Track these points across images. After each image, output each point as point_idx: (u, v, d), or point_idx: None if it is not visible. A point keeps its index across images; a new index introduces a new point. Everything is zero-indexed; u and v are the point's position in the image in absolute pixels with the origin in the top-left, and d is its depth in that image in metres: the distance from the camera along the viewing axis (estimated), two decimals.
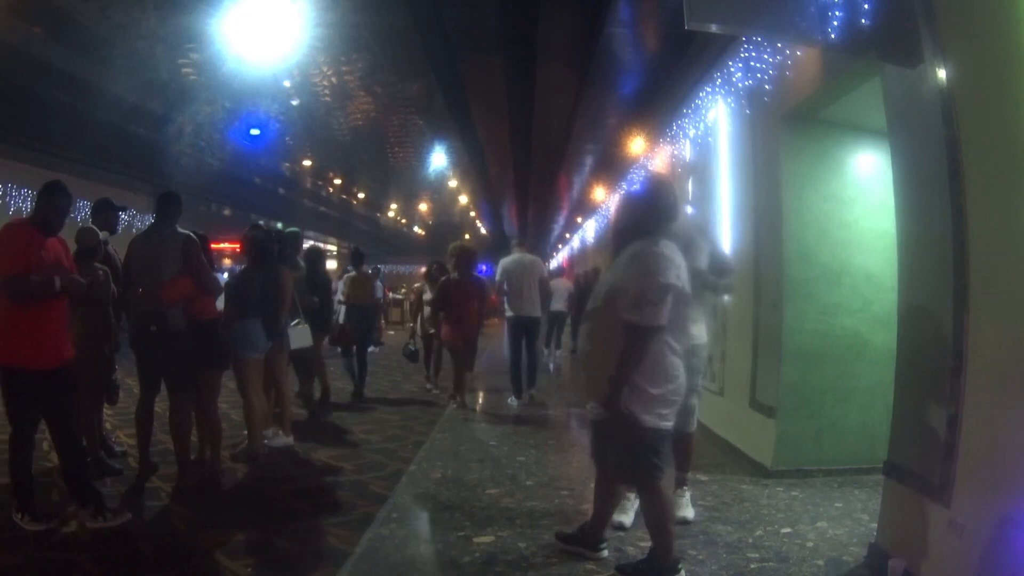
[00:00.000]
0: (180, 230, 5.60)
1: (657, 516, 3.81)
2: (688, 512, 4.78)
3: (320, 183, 36.17)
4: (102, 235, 5.82)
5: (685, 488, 4.92)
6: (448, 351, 9.39)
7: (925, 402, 3.72)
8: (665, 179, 5.18)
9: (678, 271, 3.68)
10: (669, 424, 3.76)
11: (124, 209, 6.60)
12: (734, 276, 5.04)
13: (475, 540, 4.41)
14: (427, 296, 10.43)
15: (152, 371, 5.49)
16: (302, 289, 7.53)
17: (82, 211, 18.84)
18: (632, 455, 3.78)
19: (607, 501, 4.20)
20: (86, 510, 4.57)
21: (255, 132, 21.15)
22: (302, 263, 8.21)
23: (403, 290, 24.48)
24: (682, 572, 3.79)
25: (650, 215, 3.88)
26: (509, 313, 9.37)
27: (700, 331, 4.77)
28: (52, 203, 4.76)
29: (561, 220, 31.66)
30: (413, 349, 10.83)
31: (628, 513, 4.65)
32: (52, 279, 4.53)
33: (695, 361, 4.77)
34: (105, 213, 6.17)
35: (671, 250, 3.73)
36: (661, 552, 3.81)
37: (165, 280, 5.30)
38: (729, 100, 7.11)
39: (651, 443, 3.71)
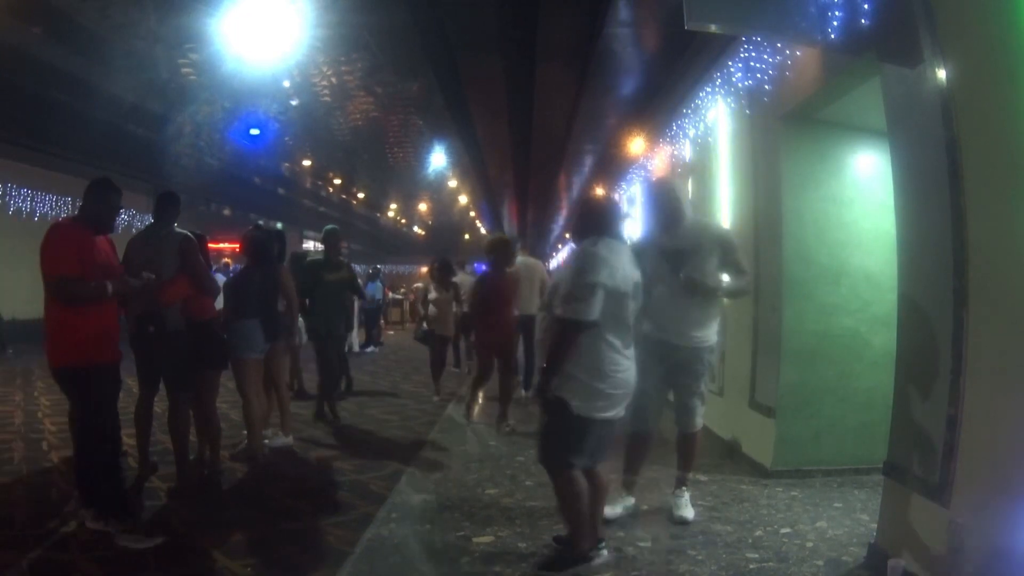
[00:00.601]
0: (178, 230, 5.60)
1: (564, 505, 4.02)
2: (687, 512, 4.78)
3: (320, 183, 36.14)
4: None
5: (684, 488, 4.93)
6: (481, 363, 8.25)
7: (924, 402, 3.72)
8: (610, 192, 5.37)
9: (612, 271, 3.83)
10: (605, 416, 3.91)
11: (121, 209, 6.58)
12: (747, 281, 5.02)
13: (474, 540, 4.42)
14: (432, 295, 10.21)
15: (151, 371, 5.49)
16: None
17: None
18: (552, 439, 4.00)
19: (593, 503, 4.18)
20: (89, 512, 4.46)
21: (255, 132, 21.14)
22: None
23: (402, 290, 24.44)
24: (603, 554, 4.05)
25: (594, 218, 4.13)
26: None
27: (705, 334, 4.78)
28: (106, 200, 4.65)
29: (561, 220, 31.64)
30: (426, 330, 10.16)
31: (614, 506, 4.70)
32: (105, 285, 4.44)
33: (698, 366, 4.78)
34: None
35: (609, 250, 3.90)
36: (572, 540, 4.03)
37: (164, 280, 5.29)
38: (728, 100, 7.11)
39: (575, 430, 3.88)
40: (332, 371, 8.32)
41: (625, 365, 3.96)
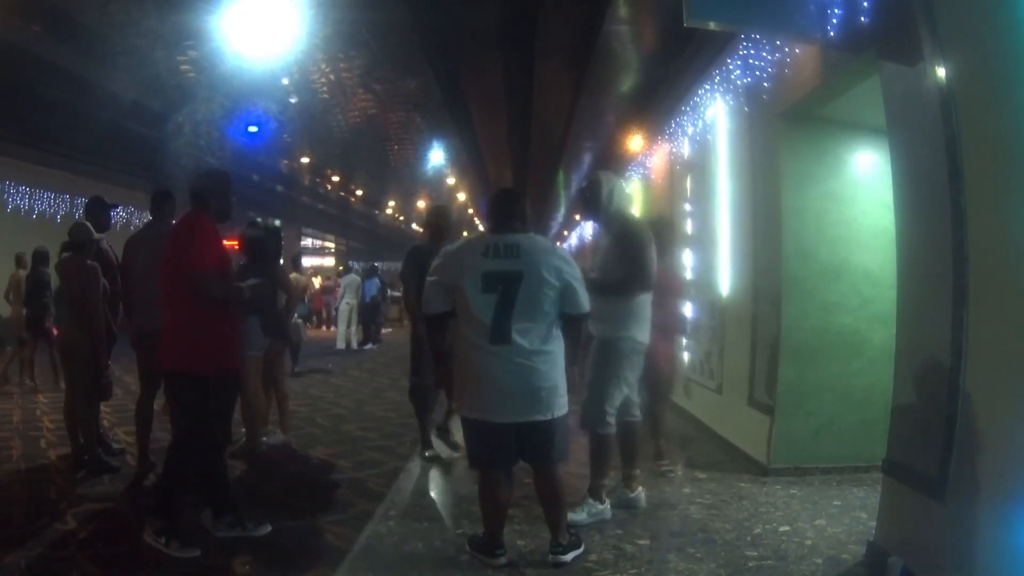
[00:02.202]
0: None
1: (480, 499, 4.11)
2: (638, 502, 4.95)
3: (318, 180, 36.11)
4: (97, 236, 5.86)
5: (633, 482, 4.99)
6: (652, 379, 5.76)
7: (924, 400, 3.72)
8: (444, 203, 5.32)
9: (446, 268, 3.96)
10: (486, 418, 3.86)
11: (115, 207, 6.59)
12: (623, 278, 4.71)
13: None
14: None
15: (152, 371, 5.49)
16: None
17: (81, 208, 18.87)
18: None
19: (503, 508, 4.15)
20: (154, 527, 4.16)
21: (253, 129, 21.10)
22: None
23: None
24: (501, 559, 4.01)
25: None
26: None
27: (611, 326, 4.71)
28: (229, 192, 4.42)
29: (559, 218, 31.64)
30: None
31: (578, 511, 4.60)
32: (241, 289, 4.31)
33: (611, 356, 4.73)
34: (97, 211, 6.19)
35: (456, 248, 4.10)
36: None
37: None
38: (728, 98, 7.10)
39: (468, 432, 4.05)
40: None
41: (492, 365, 3.81)
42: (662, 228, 5.91)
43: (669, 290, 5.75)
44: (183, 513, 4.25)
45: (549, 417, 3.86)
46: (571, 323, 4.02)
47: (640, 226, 4.97)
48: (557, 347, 3.92)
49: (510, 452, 3.95)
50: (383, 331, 19.51)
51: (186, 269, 4.03)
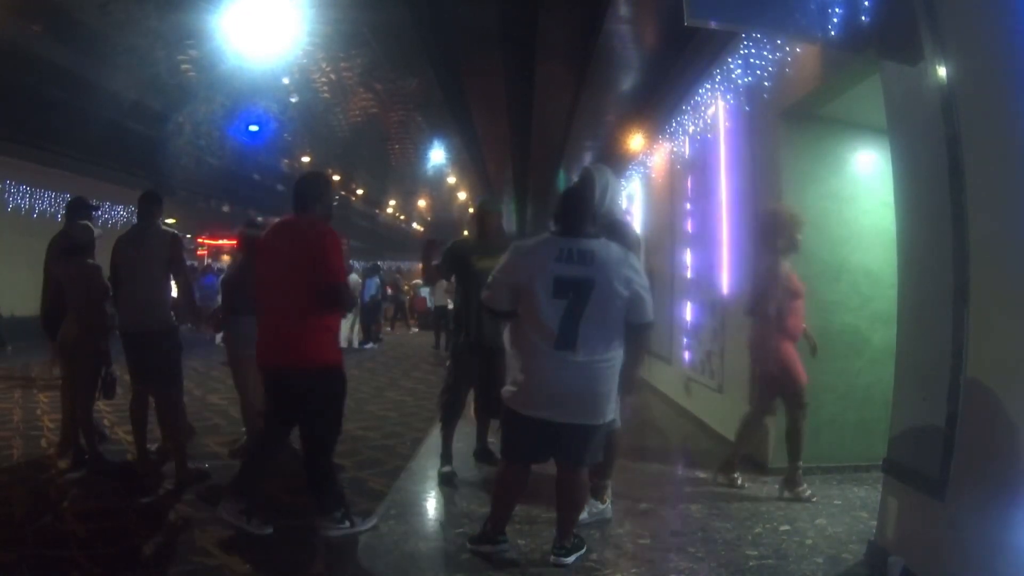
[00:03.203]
0: (164, 228, 5.69)
1: (497, 486, 4.20)
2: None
3: None
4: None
5: (603, 493, 4.80)
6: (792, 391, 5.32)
7: (924, 399, 3.71)
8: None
9: (517, 268, 3.93)
10: (543, 416, 3.83)
11: (98, 208, 6.64)
12: None
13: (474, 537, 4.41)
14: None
15: (143, 369, 5.55)
16: None
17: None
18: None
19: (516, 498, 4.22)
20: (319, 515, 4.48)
21: (254, 129, 21.13)
22: None
23: (406, 287, 24.34)
24: (505, 547, 4.08)
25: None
26: None
27: None
28: (331, 195, 4.77)
29: None
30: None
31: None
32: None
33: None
34: (82, 212, 6.28)
35: (528, 247, 4.02)
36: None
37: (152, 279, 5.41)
38: (728, 97, 7.10)
39: (513, 425, 4.00)
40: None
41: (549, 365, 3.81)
42: (786, 224, 5.28)
43: (796, 294, 5.26)
44: (261, 493, 4.59)
45: (599, 422, 3.87)
46: (635, 332, 3.97)
47: (631, 228, 4.95)
48: (618, 355, 3.88)
49: (548, 449, 3.96)
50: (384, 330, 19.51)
51: (328, 278, 4.31)
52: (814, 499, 5.12)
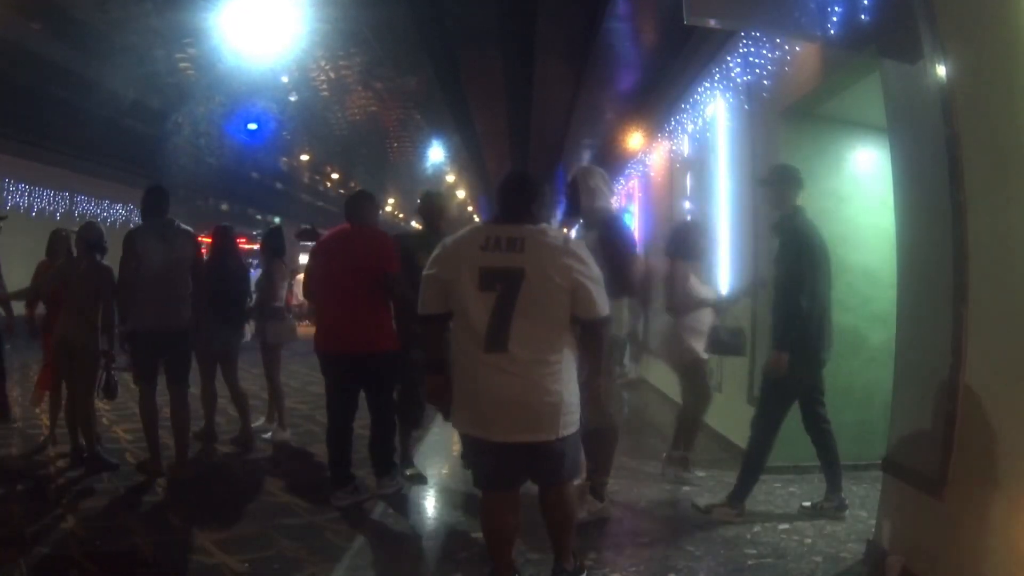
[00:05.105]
0: (186, 227, 5.83)
1: (481, 523, 3.69)
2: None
3: (318, 178, 36.10)
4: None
5: (602, 490, 4.78)
6: None
7: (923, 399, 3.71)
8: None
9: (443, 261, 3.42)
10: (479, 435, 3.38)
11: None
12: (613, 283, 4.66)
13: (473, 535, 4.40)
14: None
15: (149, 367, 5.61)
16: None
17: (80, 206, 18.87)
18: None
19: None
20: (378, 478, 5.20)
21: (253, 127, 21.12)
22: None
23: None
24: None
25: None
26: None
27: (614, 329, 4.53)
28: (375, 209, 5.52)
29: (559, 215, 31.65)
30: None
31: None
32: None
33: (616, 355, 4.78)
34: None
35: (455, 238, 3.51)
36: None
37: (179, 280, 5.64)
38: (728, 95, 7.09)
39: (466, 448, 3.79)
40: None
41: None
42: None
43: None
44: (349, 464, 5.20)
45: (553, 437, 3.31)
46: (588, 330, 3.42)
47: (624, 223, 4.96)
48: (565, 357, 3.34)
49: (513, 472, 3.46)
50: None
51: (388, 268, 5.05)
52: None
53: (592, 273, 3.34)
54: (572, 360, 3.40)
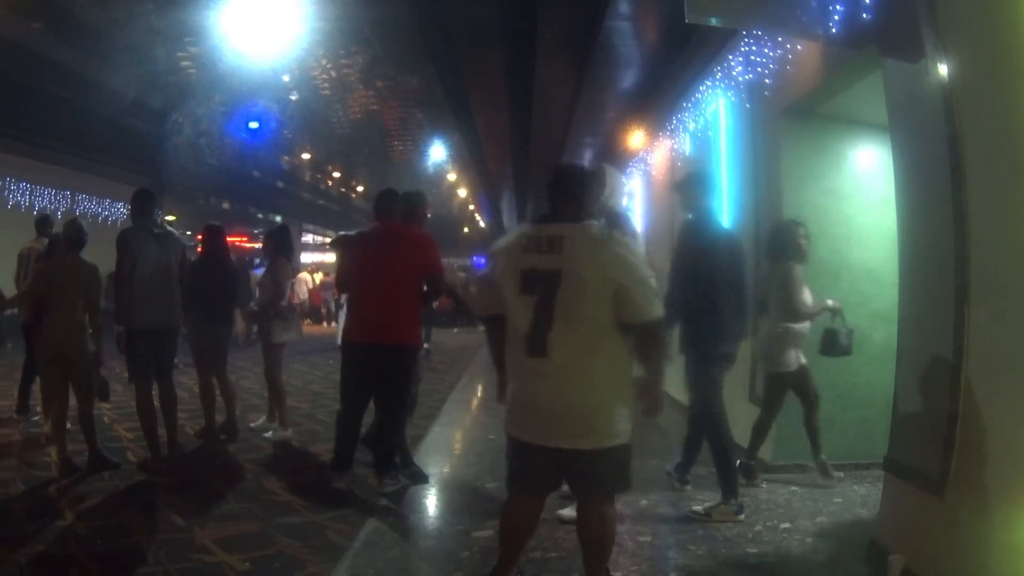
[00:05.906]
0: (169, 228, 6.18)
1: (500, 520, 3.58)
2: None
3: (319, 176, 36.13)
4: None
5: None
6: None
7: (925, 398, 3.71)
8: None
9: (492, 263, 3.43)
10: (519, 436, 3.33)
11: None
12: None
13: (473, 534, 4.41)
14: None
15: (143, 364, 5.80)
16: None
17: (81, 204, 18.87)
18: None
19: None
20: (379, 476, 5.24)
21: (254, 126, 21.12)
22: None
23: None
24: None
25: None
26: None
27: None
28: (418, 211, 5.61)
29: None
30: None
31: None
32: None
33: None
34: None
35: (504, 239, 3.50)
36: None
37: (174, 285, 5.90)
38: (729, 94, 7.09)
39: (507, 447, 3.45)
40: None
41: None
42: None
43: None
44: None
45: (591, 447, 3.16)
46: (638, 335, 3.21)
47: (628, 221, 4.95)
48: (605, 361, 3.18)
49: (545, 478, 3.35)
50: None
51: (432, 270, 5.38)
52: None
53: (636, 273, 3.14)
54: (622, 366, 3.27)
